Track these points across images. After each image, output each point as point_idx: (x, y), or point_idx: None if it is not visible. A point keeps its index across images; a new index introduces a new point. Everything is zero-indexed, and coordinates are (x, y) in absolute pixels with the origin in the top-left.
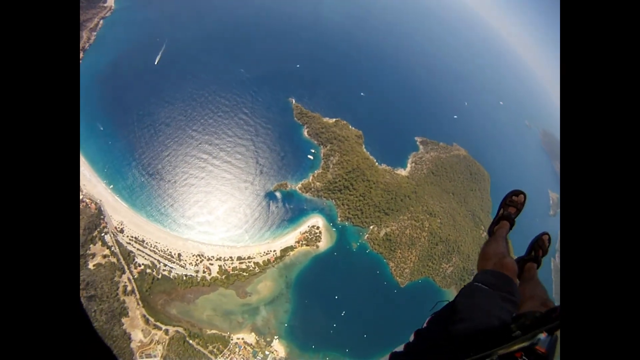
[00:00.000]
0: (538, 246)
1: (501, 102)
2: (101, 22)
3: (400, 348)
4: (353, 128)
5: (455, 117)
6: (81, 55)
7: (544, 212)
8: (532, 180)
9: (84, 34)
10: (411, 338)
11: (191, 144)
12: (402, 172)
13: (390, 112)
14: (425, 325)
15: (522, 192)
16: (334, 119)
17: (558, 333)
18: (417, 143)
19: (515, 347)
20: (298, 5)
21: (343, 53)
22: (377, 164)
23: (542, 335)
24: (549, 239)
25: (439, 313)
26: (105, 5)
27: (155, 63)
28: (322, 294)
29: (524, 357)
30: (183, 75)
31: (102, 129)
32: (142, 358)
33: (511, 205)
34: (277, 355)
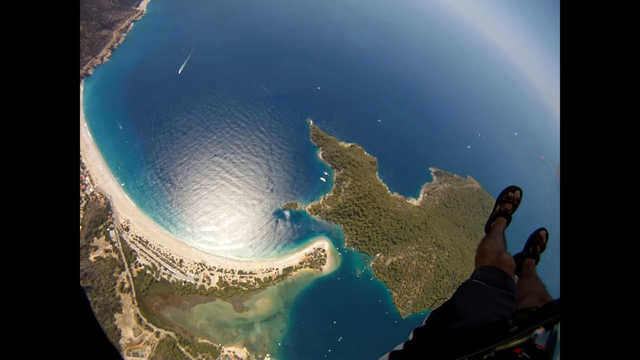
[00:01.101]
0: (536, 242)
1: (516, 134)
2: (132, 24)
3: (400, 347)
4: (368, 154)
5: (468, 147)
6: (109, 54)
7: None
8: (547, 217)
9: (114, 34)
10: (410, 336)
11: (205, 154)
12: (414, 201)
13: (406, 140)
14: (424, 323)
15: (518, 188)
16: (349, 144)
17: (556, 328)
18: (431, 173)
19: (513, 343)
20: (325, 28)
21: (364, 78)
22: (389, 191)
23: (540, 331)
24: (547, 235)
25: (437, 311)
26: (137, 9)
27: (179, 72)
28: (320, 318)
29: (523, 353)
30: (204, 86)
31: (121, 127)
32: (129, 356)
33: (507, 202)
34: None
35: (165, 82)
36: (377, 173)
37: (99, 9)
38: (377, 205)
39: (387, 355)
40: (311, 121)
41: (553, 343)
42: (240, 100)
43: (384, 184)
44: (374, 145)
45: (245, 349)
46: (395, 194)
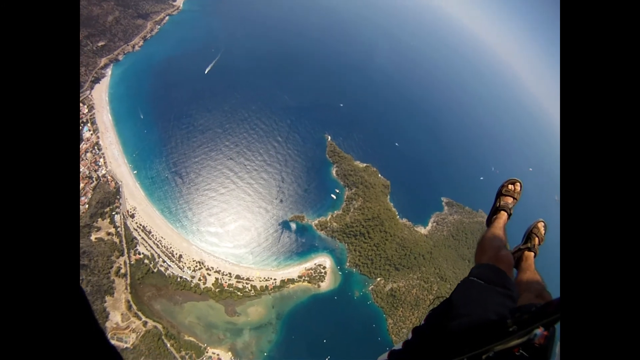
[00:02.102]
0: (534, 234)
1: (530, 169)
2: (167, 18)
3: (398, 346)
4: (382, 176)
5: (481, 178)
6: (141, 43)
7: None
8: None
9: (148, 25)
10: (409, 335)
11: (220, 156)
12: (422, 230)
13: (421, 167)
14: (423, 322)
15: (518, 181)
16: (364, 164)
17: (556, 327)
18: (443, 203)
19: (513, 343)
20: (353, 47)
21: (385, 100)
22: (398, 217)
23: (539, 330)
24: (545, 226)
25: (436, 309)
26: (174, 3)
27: (205, 72)
28: (311, 334)
29: (521, 351)
30: (228, 89)
31: (142, 117)
32: (113, 339)
33: (507, 195)
34: None
35: (191, 79)
36: (388, 196)
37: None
38: (385, 229)
39: (386, 354)
40: (329, 137)
41: (551, 341)
42: (261, 107)
43: (393, 209)
44: (388, 168)
45: (230, 353)
46: (404, 220)
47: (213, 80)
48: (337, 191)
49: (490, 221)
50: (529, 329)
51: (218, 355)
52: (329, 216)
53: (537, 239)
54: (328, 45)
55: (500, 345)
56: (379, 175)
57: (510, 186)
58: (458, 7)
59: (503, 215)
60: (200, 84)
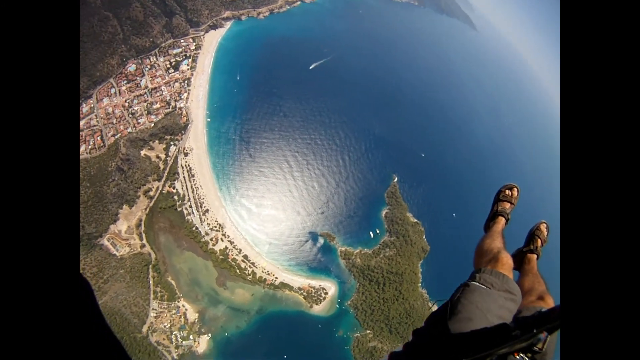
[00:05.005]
0: (536, 236)
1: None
2: (299, 2)
3: (399, 348)
4: (425, 239)
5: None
6: (267, 13)
7: None
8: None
9: (280, 1)
10: (410, 338)
11: (288, 146)
12: (435, 308)
13: (468, 254)
14: (423, 324)
15: (515, 186)
16: (416, 220)
17: (558, 332)
18: None
19: (516, 347)
20: (458, 102)
21: (474, 169)
22: (420, 284)
23: (542, 335)
24: (548, 227)
25: (437, 312)
26: None
27: (310, 67)
28: (277, 343)
29: (521, 355)
30: (325, 91)
31: (238, 78)
32: (108, 242)
33: (505, 200)
34: (196, 347)
35: (295, 66)
36: (421, 261)
37: None
38: (401, 290)
39: (386, 356)
40: (396, 178)
41: (552, 345)
42: (347, 121)
43: (420, 275)
44: (436, 235)
45: (197, 314)
46: (424, 290)
47: (315, 77)
48: (377, 231)
49: (487, 226)
50: (532, 334)
51: (186, 309)
52: (357, 250)
53: (539, 240)
54: (435, 92)
55: (504, 350)
56: (424, 237)
57: (507, 191)
58: None
59: (501, 220)
60: (303, 74)
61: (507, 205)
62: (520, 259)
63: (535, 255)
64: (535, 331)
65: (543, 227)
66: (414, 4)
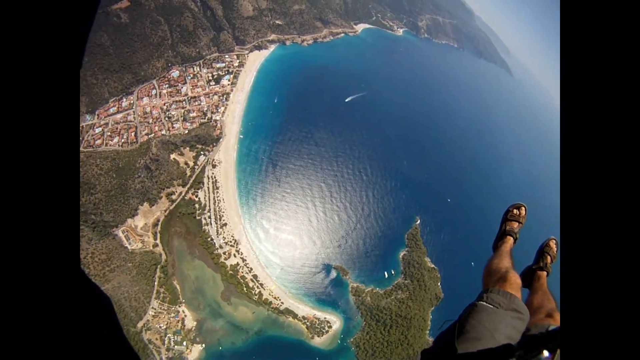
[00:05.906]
0: (546, 253)
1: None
2: (342, 34)
3: None
4: (440, 286)
5: None
6: (311, 42)
7: None
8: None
9: (324, 31)
10: (418, 358)
11: (315, 175)
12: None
13: None
14: (432, 344)
15: (523, 205)
16: (433, 265)
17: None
18: None
19: None
20: (491, 149)
21: (498, 220)
22: (427, 332)
23: (543, 355)
24: (557, 244)
25: (445, 332)
26: (354, 26)
27: (346, 100)
28: None
29: None
30: (358, 125)
31: (276, 100)
32: (123, 233)
33: (513, 220)
34: (187, 354)
35: (332, 96)
36: (432, 308)
37: (326, 6)
38: (407, 335)
39: None
40: (419, 220)
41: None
42: (377, 157)
43: (429, 322)
44: (451, 285)
45: (195, 323)
46: (431, 339)
47: (350, 110)
48: (392, 272)
49: (496, 246)
50: (535, 353)
51: (185, 316)
52: (369, 288)
53: (549, 257)
54: (468, 138)
55: None
56: (439, 284)
57: (515, 210)
58: None
59: (509, 239)
60: (338, 106)
61: (515, 225)
62: (530, 277)
63: (545, 272)
64: (538, 350)
65: (552, 243)
66: (453, 46)
